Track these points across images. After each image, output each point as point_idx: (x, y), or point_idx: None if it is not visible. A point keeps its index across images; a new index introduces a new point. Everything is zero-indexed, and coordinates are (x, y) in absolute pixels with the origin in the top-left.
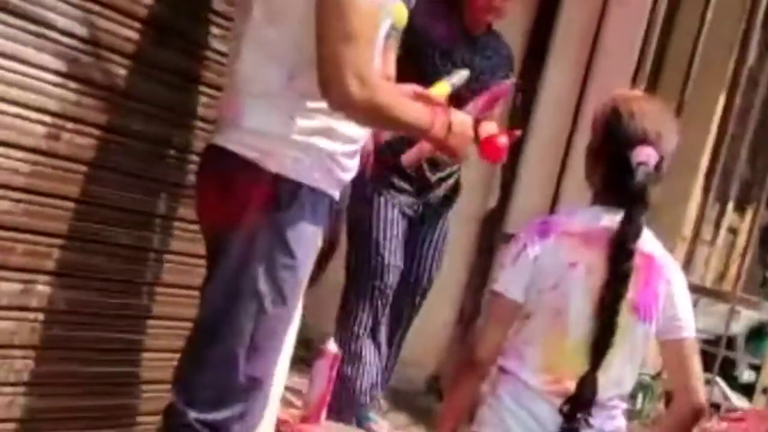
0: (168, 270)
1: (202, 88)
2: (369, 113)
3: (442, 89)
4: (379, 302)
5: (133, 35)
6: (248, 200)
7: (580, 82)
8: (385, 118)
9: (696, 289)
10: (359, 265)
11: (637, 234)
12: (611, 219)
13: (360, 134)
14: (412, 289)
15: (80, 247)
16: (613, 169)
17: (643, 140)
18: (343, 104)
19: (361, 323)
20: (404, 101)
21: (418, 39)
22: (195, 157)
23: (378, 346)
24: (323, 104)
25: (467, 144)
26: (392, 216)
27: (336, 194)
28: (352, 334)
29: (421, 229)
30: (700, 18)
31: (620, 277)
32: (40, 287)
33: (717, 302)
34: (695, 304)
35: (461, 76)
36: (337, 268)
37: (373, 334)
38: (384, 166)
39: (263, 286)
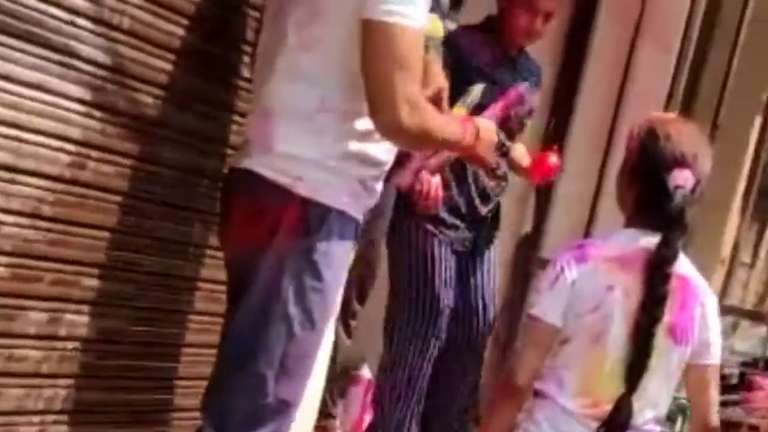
0: (198, 298)
1: (230, 115)
2: (418, 138)
3: (458, 111)
4: (433, 347)
5: (159, 63)
6: (278, 224)
7: (613, 106)
8: (431, 141)
9: (735, 311)
10: (412, 308)
11: (674, 257)
12: (648, 241)
13: (387, 158)
14: (478, 326)
15: (108, 276)
16: (649, 191)
17: (681, 163)
18: (394, 130)
19: (413, 367)
20: (444, 120)
21: (461, 65)
22: (217, 183)
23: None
24: (354, 128)
25: (492, 149)
26: (446, 256)
27: (361, 219)
28: (402, 376)
29: (474, 263)
30: (733, 41)
31: (657, 301)
32: (68, 316)
33: (756, 324)
34: (734, 327)
35: (475, 94)
36: (372, 298)
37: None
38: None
39: (293, 309)
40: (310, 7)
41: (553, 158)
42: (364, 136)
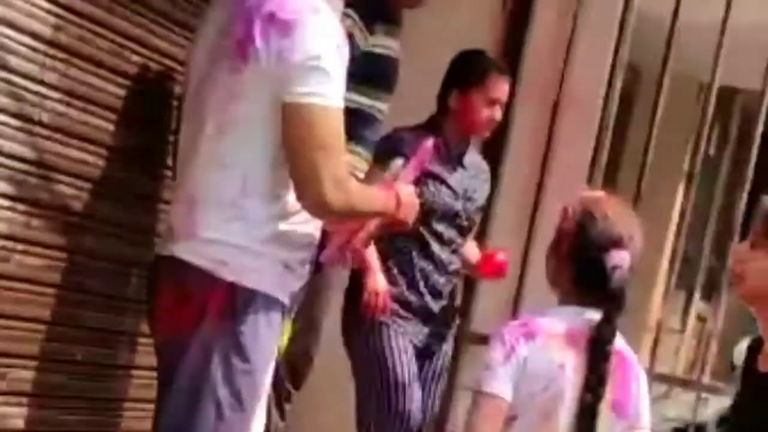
0: (131, 385)
1: (155, 204)
2: (346, 214)
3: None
4: None
5: (81, 155)
6: (204, 308)
7: (536, 179)
8: (359, 216)
9: (666, 379)
10: (382, 406)
11: (614, 335)
12: (590, 318)
13: (311, 240)
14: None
15: (37, 366)
16: (587, 271)
17: (618, 243)
18: (322, 209)
19: None
20: (370, 193)
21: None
22: (145, 271)
23: None
24: (277, 212)
25: (413, 212)
26: (405, 347)
27: (289, 303)
28: None
29: (427, 363)
30: (652, 110)
31: (600, 379)
32: None
33: (687, 390)
34: (667, 393)
35: (395, 170)
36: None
37: None
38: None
39: (222, 390)
40: (227, 90)
41: (501, 255)
42: (286, 218)
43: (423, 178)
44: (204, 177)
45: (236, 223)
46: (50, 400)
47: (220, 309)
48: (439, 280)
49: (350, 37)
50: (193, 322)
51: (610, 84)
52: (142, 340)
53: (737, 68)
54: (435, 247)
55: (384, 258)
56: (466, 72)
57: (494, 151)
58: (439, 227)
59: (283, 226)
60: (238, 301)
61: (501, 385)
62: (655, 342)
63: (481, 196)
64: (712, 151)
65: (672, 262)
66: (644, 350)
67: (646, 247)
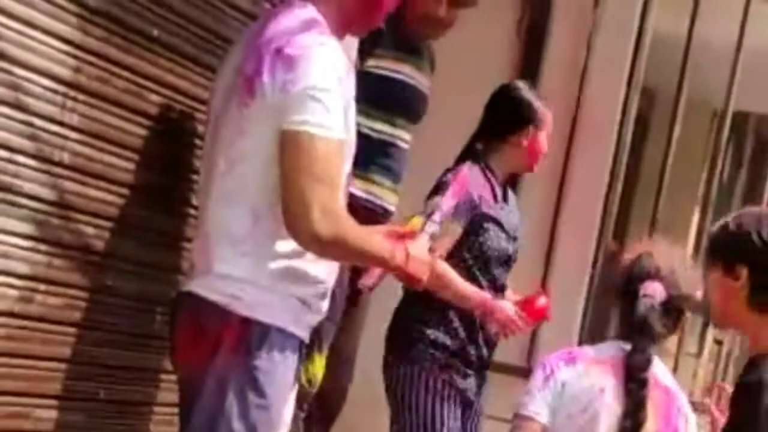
0: (153, 422)
1: (178, 242)
2: (335, 247)
3: (417, 222)
4: None
5: (101, 195)
6: (218, 343)
7: (553, 202)
8: (351, 252)
9: None
10: None
11: (646, 363)
12: (625, 350)
13: (328, 276)
14: None
15: (60, 405)
16: (623, 304)
17: (652, 276)
18: (310, 239)
19: None
20: (367, 234)
21: (476, 217)
22: (168, 309)
23: None
24: (289, 247)
25: (426, 269)
26: (457, 415)
27: (306, 337)
28: None
29: (473, 415)
30: (667, 137)
31: (637, 406)
32: None
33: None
34: None
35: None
36: None
37: None
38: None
39: (237, 425)
40: (235, 126)
41: (543, 300)
42: (300, 254)
43: (483, 223)
44: (216, 213)
45: (248, 258)
46: None
47: (234, 344)
48: (493, 330)
49: None
50: (208, 357)
51: (625, 107)
52: (164, 376)
53: (751, 91)
54: (491, 294)
55: (444, 307)
56: (529, 109)
57: (511, 176)
58: (496, 272)
59: (296, 262)
60: (252, 336)
61: (537, 408)
62: (675, 366)
63: (521, 233)
64: (725, 176)
65: None
66: None
67: None
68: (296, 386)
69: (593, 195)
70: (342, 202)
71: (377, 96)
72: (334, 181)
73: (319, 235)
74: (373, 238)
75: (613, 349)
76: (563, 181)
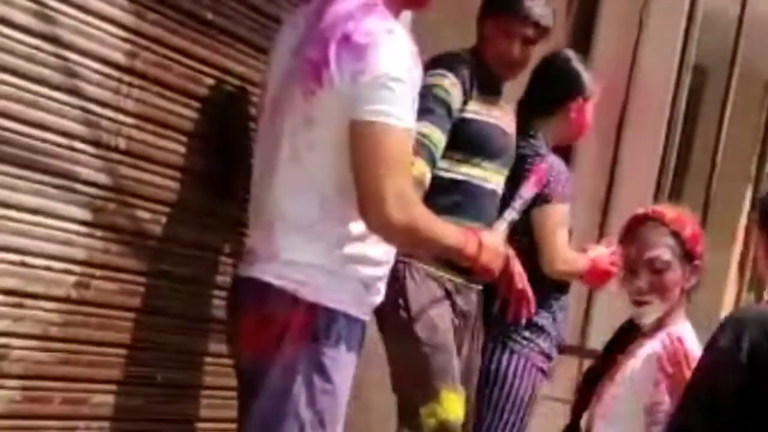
0: (211, 405)
1: (233, 226)
2: (408, 234)
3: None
4: None
5: (157, 180)
6: (285, 330)
7: (606, 180)
8: (422, 239)
9: None
10: None
11: None
12: None
13: (388, 258)
14: None
15: (118, 390)
16: None
17: None
18: (383, 225)
19: None
20: (441, 224)
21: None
22: (225, 293)
23: None
24: (355, 232)
25: (499, 260)
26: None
27: (368, 319)
28: None
29: None
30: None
31: None
32: None
33: None
34: None
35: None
36: None
37: None
38: None
39: (304, 410)
40: (301, 114)
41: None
42: (362, 238)
43: None
44: (282, 201)
45: (315, 245)
46: (131, 423)
47: (302, 330)
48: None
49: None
50: (275, 343)
51: (677, 83)
52: (221, 360)
53: None
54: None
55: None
56: (578, 80)
57: (563, 154)
58: None
59: (360, 246)
60: (319, 322)
61: None
62: None
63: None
64: None
65: (741, 265)
66: None
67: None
68: None
69: (646, 171)
70: (413, 189)
71: (471, 141)
72: (407, 170)
73: (393, 222)
74: (447, 228)
75: None
76: (615, 158)
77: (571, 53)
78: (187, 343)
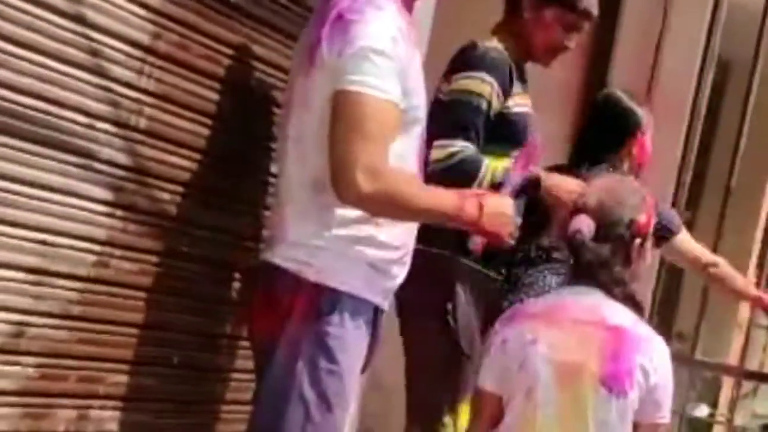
0: (228, 388)
1: (253, 209)
2: (382, 204)
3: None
4: None
5: (177, 161)
6: (290, 310)
7: None
8: (402, 208)
9: (754, 376)
10: None
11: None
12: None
13: (403, 242)
14: None
15: (135, 370)
16: (569, 249)
17: (581, 210)
18: (353, 197)
19: None
20: (424, 190)
21: None
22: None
23: None
24: (356, 213)
25: (507, 225)
26: None
27: (382, 303)
28: None
29: None
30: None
31: None
32: (94, 412)
33: None
34: (755, 389)
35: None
36: None
37: None
38: None
39: (308, 392)
40: (300, 95)
41: None
42: (368, 219)
43: None
44: (288, 182)
45: (319, 225)
46: (146, 403)
47: (305, 310)
48: None
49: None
50: (281, 324)
51: (700, 77)
52: (238, 343)
53: None
54: None
55: None
56: (634, 118)
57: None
58: None
59: (367, 227)
60: (322, 302)
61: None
62: (746, 339)
63: None
64: None
65: (761, 256)
66: (734, 347)
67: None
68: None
69: (667, 165)
70: (387, 159)
71: (508, 135)
72: (383, 140)
73: (364, 194)
74: (437, 194)
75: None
76: None
77: (620, 93)
78: (205, 325)
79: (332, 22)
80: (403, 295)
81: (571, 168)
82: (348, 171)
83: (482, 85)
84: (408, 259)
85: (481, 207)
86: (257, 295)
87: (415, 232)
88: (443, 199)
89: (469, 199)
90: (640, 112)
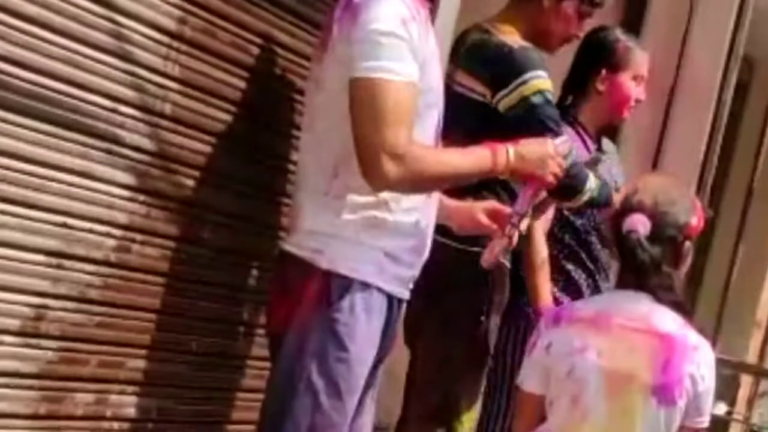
0: (247, 376)
1: (275, 197)
2: (413, 183)
3: None
4: None
5: (201, 147)
6: (302, 298)
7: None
8: (434, 180)
9: None
10: None
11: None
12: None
13: (419, 229)
14: None
15: (153, 356)
16: (618, 246)
17: (636, 209)
18: (384, 185)
19: None
20: (450, 156)
21: None
22: (264, 264)
23: None
24: (370, 198)
25: (548, 166)
26: None
27: (399, 291)
28: None
29: None
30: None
31: None
32: (114, 397)
33: None
34: None
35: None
36: None
37: None
38: None
39: (317, 379)
40: (313, 81)
41: None
42: (382, 206)
43: None
44: (302, 169)
45: (330, 211)
46: (165, 389)
47: (315, 297)
48: None
49: None
50: (292, 311)
51: (725, 75)
52: (256, 330)
53: None
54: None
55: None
56: (602, 50)
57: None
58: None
59: (379, 214)
60: (333, 289)
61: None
62: (765, 337)
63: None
64: None
65: None
66: (752, 346)
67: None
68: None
69: (690, 162)
70: (411, 139)
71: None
72: (404, 122)
73: (394, 179)
74: (465, 155)
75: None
76: (660, 148)
77: (607, 27)
78: (225, 312)
79: (343, 8)
80: (435, 291)
81: None
82: (375, 159)
83: (546, 81)
84: (425, 250)
85: (507, 154)
86: (273, 283)
87: (433, 221)
88: (473, 158)
89: (499, 149)
90: (618, 46)
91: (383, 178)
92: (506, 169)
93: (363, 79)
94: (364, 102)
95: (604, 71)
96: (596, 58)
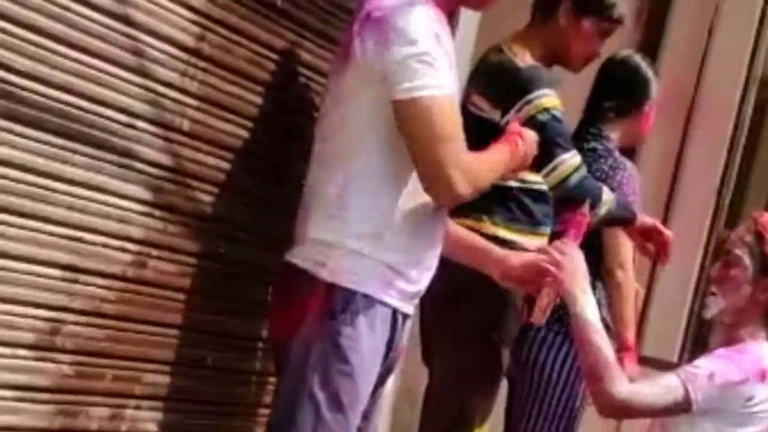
0: (262, 391)
1: (289, 211)
2: (475, 190)
3: None
4: None
5: (217, 162)
6: (305, 310)
7: (667, 189)
8: (488, 183)
9: None
10: None
11: None
12: None
13: (424, 246)
14: None
15: (169, 371)
16: None
17: None
18: (454, 198)
19: None
20: (487, 157)
21: None
22: None
23: None
24: (380, 212)
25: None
26: None
27: (402, 306)
28: None
29: None
30: None
31: None
32: (129, 412)
33: None
34: None
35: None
36: None
37: None
38: None
39: (319, 392)
40: (332, 95)
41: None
42: (390, 220)
43: None
44: (311, 181)
45: (335, 222)
46: (181, 404)
47: (318, 310)
48: None
49: None
50: (295, 324)
51: (743, 96)
52: (263, 344)
53: None
54: None
55: None
56: (650, 84)
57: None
58: None
59: (386, 228)
60: (336, 302)
61: None
62: None
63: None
64: None
65: None
66: None
67: None
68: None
69: (708, 183)
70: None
71: None
72: (456, 136)
73: (458, 193)
74: (494, 157)
75: None
76: (677, 168)
77: (637, 57)
78: (239, 327)
79: (362, 21)
80: (447, 305)
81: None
82: (442, 176)
83: (554, 98)
84: (433, 265)
85: (522, 136)
86: (276, 294)
87: (441, 237)
88: (501, 155)
89: (512, 140)
90: (655, 83)
91: (453, 192)
92: (522, 156)
93: (413, 100)
94: (416, 122)
95: (648, 106)
96: (646, 91)
